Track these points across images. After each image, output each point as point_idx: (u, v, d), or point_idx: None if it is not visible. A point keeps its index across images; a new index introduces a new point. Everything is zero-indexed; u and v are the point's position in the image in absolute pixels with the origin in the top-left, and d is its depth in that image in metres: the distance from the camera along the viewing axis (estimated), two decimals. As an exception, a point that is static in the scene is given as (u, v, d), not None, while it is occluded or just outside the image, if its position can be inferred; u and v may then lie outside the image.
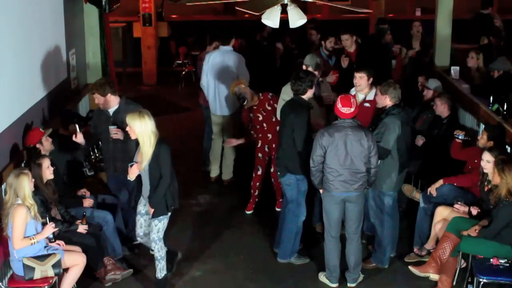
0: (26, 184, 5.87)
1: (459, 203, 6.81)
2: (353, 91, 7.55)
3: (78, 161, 7.55)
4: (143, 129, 6.08)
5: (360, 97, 7.48)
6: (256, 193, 8.44)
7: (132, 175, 6.31)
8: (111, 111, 6.95)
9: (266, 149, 8.26)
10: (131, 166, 6.28)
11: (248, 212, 8.44)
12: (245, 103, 8.18)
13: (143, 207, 6.46)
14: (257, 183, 8.40)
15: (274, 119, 8.09)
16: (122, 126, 6.83)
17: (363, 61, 9.03)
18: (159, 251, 6.47)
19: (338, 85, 8.88)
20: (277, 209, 8.36)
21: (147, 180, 6.29)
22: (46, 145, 6.92)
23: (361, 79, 7.44)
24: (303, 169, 6.68)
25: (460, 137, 7.53)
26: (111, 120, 6.97)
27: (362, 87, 7.47)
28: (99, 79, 7.22)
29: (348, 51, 9.83)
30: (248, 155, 8.64)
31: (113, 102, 6.94)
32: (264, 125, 8.18)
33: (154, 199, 6.25)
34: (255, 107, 8.18)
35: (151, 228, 6.40)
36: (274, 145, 8.11)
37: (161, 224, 6.38)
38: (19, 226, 5.83)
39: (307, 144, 6.64)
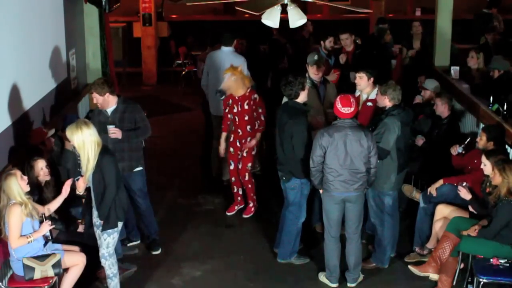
0: (14, 184, 5.83)
1: (464, 184, 6.77)
2: (357, 93, 7.57)
3: (78, 161, 7.54)
4: (80, 140, 5.89)
5: (364, 97, 7.49)
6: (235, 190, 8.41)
7: (79, 189, 6.15)
8: (109, 110, 6.95)
9: (238, 143, 8.24)
10: (77, 180, 6.14)
11: (229, 214, 8.38)
12: (222, 98, 8.16)
13: (96, 219, 6.20)
14: (232, 178, 8.37)
15: (246, 118, 8.10)
16: (120, 125, 6.85)
17: (362, 61, 9.02)
18: (110, 268, 6.25)
19: (339, 83, 8.89)
20: (245, 216, 8.31)
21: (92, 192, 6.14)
22: (48, 145, 6.92)
23: (360, 79, 7.44)
24: (307, 173, 6.68)
25: (459, 151, 7.47)
26: (110, 119, 6.97)
27: (362, 87, 7.48)
28: (98, 78, 7.21)
29: (346, 50, 9.82)
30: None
31: (111, 102, 6.94)
32: (236, 118, 8.16)
33: (101, 210, 6.05)
34: (236, 98, 8.12)
35: (100, 243, 6.17)
36: (243, 141, 8.17)
37: (110, 239, 6.14)
38: (15, 225, 5.82)
39: (309, 149, 6.60)
